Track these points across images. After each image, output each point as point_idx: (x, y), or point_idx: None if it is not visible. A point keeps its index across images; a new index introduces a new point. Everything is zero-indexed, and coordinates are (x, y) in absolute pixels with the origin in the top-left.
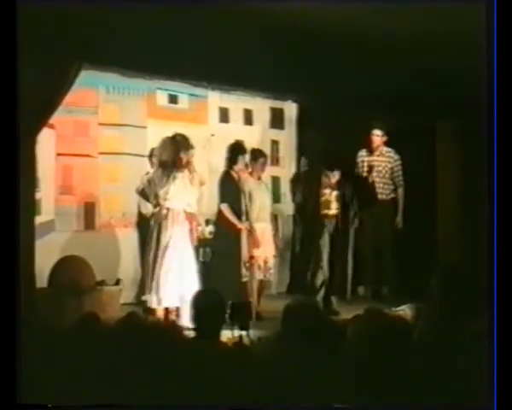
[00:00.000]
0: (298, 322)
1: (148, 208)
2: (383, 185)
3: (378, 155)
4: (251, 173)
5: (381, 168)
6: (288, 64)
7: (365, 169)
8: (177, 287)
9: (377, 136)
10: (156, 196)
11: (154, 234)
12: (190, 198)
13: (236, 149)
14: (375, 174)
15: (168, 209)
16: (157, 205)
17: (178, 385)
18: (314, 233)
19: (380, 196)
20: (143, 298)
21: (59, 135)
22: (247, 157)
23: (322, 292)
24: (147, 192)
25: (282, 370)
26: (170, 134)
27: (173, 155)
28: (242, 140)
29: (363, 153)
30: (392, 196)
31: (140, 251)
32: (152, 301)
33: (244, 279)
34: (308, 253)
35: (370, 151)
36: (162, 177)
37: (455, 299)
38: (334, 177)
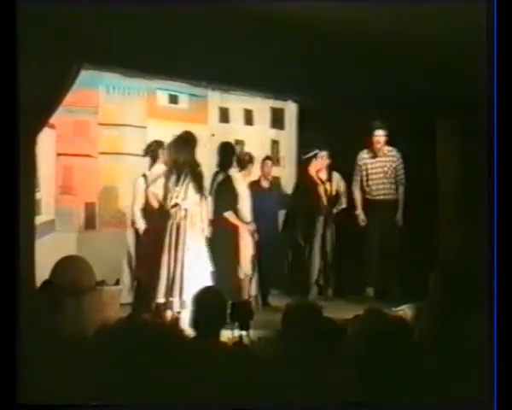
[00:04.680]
0: (298, 322)
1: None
2: (390, 186)
3: (381, 156)
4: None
5: (386, 169)
6: (287, 64)
7: (369, 171)
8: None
9: (380, 136)
10: (172, 197)
11: (172, 235)
12: (206, 197)
13: (228, 151)
14: (381, 175)
15: (186, 210)
16: (175, 206)
17: (178, 385)
18: (312, 232)
19: (386, 197)
20: (160, 301)
21: (59, 135)
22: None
23: (317, 290)
24: (157, 192)
25: (282, 370)
26: (178, 133)
27: (189, 155)
28: (230, 141)
29: (364, 155)
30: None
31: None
32: (173, 304)
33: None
34: (306, 251)
35: (373, 152)
36: (178, 177)
37: (455, 299)
38: (323, 159)
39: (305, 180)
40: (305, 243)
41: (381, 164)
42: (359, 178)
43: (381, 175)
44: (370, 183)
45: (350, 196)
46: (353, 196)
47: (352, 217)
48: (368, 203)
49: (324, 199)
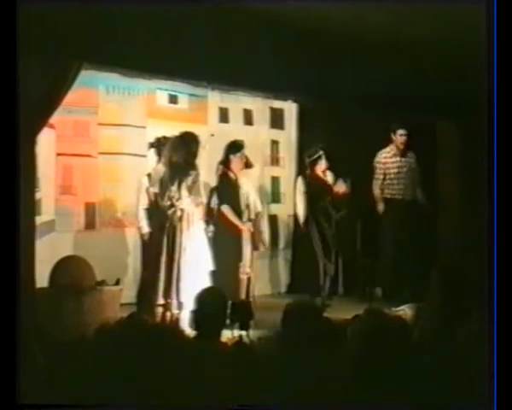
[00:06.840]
0: (298, 322)
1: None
2: (407, 186)
3: (403, 156)
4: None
5: (405, 169)
6: (288, 64)
7: (390, 171)
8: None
9: (404, 135)
10: (170, 197)
11: (169, 236)
12: (203, 197)
13: (230, 148)
14: (401, 175)
15: (182, 210)
16: (171, 206)
17: (179, 385)
18: (313, 232)
19: (404, 197)
20: (160, 302)
21: (59, 135)
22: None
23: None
24: (157, 192)
25: (282, 370)
26: (178, 133)
27: (186, 156)
28: (238, 139)
29: (385, 153)
30: (413, 197)
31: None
32: (171, 305)
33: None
34: (307, 252)
35: (395, 152)
36: (174, 177)
37: (455, 299)
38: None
39: (313, 181)
40: (314, 242)
41: (401, 164)
42: (381, 177)
43: (402, 175)
44: (390, 182)
45: (354, 196)
46: (374, 193)
47: (359, 215)
48: (384, 202)
49: (331, 199)
